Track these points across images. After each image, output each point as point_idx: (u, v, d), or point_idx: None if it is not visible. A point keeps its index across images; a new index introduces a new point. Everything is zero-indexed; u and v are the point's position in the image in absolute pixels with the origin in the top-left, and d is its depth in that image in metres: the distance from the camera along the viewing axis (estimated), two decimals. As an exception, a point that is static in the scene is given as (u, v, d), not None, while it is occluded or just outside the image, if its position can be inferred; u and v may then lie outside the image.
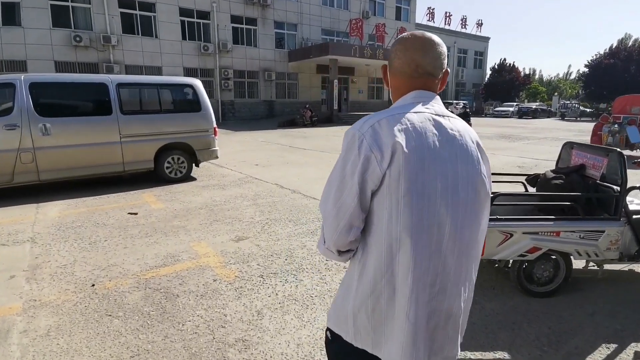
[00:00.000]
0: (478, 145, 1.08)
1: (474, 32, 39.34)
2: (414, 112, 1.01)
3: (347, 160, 1.00)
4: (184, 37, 22.54)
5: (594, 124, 11.70)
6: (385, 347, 1.05)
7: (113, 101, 6.56)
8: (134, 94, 7.05)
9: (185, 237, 4.47)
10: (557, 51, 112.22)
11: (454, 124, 1.05)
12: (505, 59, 39.46)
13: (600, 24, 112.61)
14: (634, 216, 3.00)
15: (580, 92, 35.25)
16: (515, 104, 36.89)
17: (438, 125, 1.01)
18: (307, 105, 23.68)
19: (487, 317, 2.83)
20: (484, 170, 1.07)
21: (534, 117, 33.18)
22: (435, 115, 1.03)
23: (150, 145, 6.97)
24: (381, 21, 28.82)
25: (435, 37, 1.11)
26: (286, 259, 3.85)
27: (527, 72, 39.31)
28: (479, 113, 37.27)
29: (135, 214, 5.32)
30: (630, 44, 33.63)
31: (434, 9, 35.07)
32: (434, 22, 35.48)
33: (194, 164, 7.64)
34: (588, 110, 33.33)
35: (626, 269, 3.57)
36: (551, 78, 54.09)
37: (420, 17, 37.12)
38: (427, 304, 1.01)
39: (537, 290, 3.09)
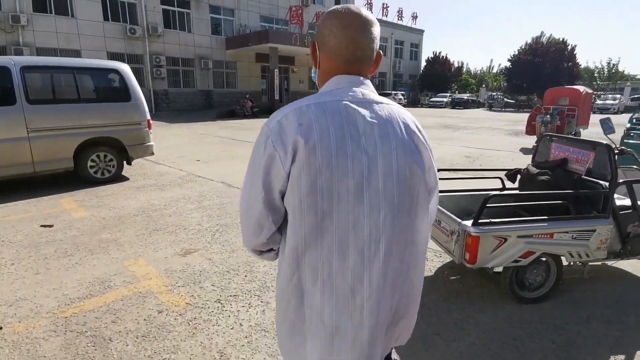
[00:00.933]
0: (414, 133, 0.96)
1: (409, 25, 40.46)
2: (330, 101, 0.91)
3: (254, 158, 0.93)
4: (105, 18, 20.26)
5: (518, 114, 12.35)
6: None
7: (17, 88, 5.38)
8: (44, 80, 5.87)
9: (118, 254, 3.68)
10: (481, 46, 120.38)
11: (383, 110, 0.94)
12: (440, 52, 41.21)
13: (520, 22, 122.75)
14: (621, 212, 2.87)
15: (502, 84, 37.88)
16: (448, 94, 38.70)
17: (356, 115, 0.90)
18: (248, 96, 22.69)
19: (485, 333, 2.52)
20: (420, 161, 0.95)
21: (465, 108, 35.07)
22: (358, 102, 0.92)
23: (67, 140, 5.87)
24: (321, 9, 28.37)
25: (371, 15, 0.98)
26: (246, 276, 3.28)
27: (458, 65, 41.31)
28: (416, 103, 38.62)
29: (50, 226, 4.37)
30: (544, 41, 36.69)
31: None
32: (372, 12, 35.78)
33: (125, 162, 6.64)
34: (511, 101, 35.88)
35: (609, 264, 3.50)
36: (477, 71, 57.66)
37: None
38: (346, 315, 0.93)
39: (528, 296, 2.86)
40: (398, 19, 38.82)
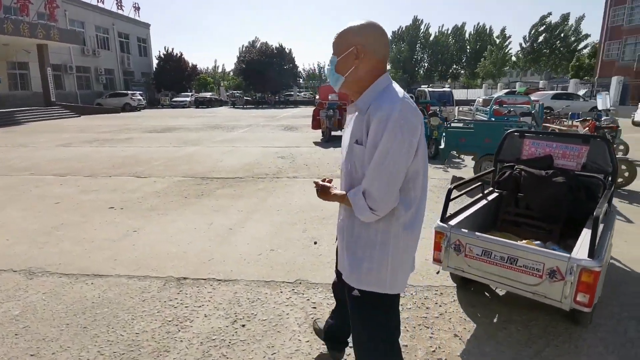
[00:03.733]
0: None
1: (132, 16, 36.02)
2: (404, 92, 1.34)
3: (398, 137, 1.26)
4: None
5: (263, 110, 12.97)
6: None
7: None
8: None
9: None
10: (206, 45, 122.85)
11: None
12: (173, 49, 38.71)
13: (235, 25, 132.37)
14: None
15: (242, 83, 39.90)
16: (190, 93, 37.30)
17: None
18: None
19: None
20: None
21: (209, 106, 34.78)
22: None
23: None
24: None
25: None
26: None
27: (194, 63, 40.27)
28: (155, 104, 35.28)
29: None
30: (258, 45, 40.71)
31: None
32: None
33: None
34: (249, 99, 38.24)
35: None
36: (206, 70, 58.55)
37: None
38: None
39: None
40: (118, 8, 33.84)
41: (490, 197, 3.17)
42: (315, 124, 12.17)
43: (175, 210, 5.03)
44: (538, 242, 2.68)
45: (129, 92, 30.42)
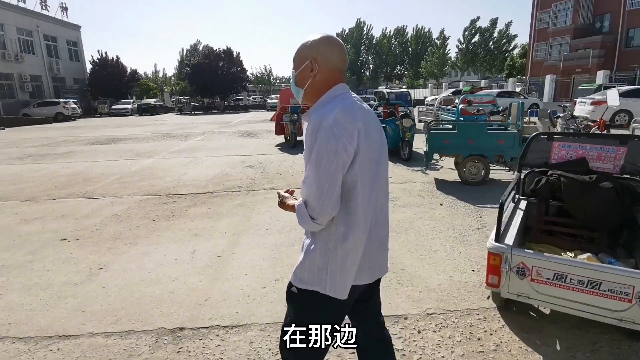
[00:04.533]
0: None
1: (60, 17, 32.96)
2: (353, 100, 1.36)
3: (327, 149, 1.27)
4: None
5: (213, 115, 12.33)
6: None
7: None
8: None
9: None
10: (145, 50, 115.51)
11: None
12: (106, 53, 35.98)
13: (173, 28, 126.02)
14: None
15: (187, 88, 37.97)
16: (132, 100, 34.90)
17: (363, 106, 1.38)
18: None
19: None
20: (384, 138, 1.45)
21: (154, 114, 32.74)
22: (357, 100, 1.39)
23: None
24: None
25: None
26: None
27: (133, 68, 37.65)
28: (91, 113, 32.58)
29: None
30: (200, 48, 39.00)
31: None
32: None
33: None
34: (197, 104, 36.41)
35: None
36: (147, 75, 55.39)
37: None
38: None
39: None
40: (42, 8, 30.80)
41: (520, 206, 2.91)
42: (279, 129, 11.63)
43: (145, 237, 4.31)
44: (588, 255, 2.44)
45: (61, 100, 27.70)
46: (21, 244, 4.21)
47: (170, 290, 3.09)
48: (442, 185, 6.23)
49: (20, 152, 11.61)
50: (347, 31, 59.72)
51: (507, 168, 6.25)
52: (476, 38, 46.36)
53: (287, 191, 1.54)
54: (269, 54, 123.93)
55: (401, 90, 15.24)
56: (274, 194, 5.99)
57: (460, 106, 8.85)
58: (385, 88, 17.09)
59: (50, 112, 25.78)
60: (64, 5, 33.30)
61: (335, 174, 1.23)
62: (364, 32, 59.84)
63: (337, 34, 62.67)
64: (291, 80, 1.47)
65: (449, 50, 50.15)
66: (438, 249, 3.75)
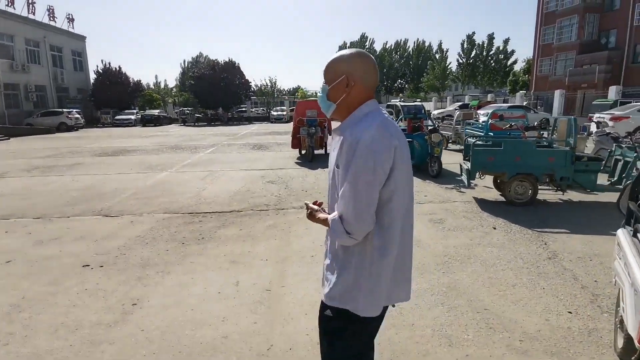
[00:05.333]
0: None
1: (66, 28, 32.89)
2: (388, 117, 1.38)
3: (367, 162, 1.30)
4: None
5: (218, 127, 11.99)
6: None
7: None
8: None
9: None
10: (146, 61, 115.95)
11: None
12: (110, 63, 35.83)
13: (175, 40, 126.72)
14: None
15: (190, 99, 37.69)
16: (135, 111, 34.62)
17: (395, 123, 1.39)
18: None
19: None
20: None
21: (157, 124, 32.44)
22: (390, 117, 1.40)
23: None
24: None
25: None
26: None
27: (137, 79, 37.51)
28: (94, 123, 32.26)
29: None
30: (203, 60, 38.85)
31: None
32: (14, 8, 26.81)
33: None
34: (200, 115, 36.07)
35: None
36: (149, 86, 55.30)
37: (-3, 0, 26.55)
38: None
39: None
40: (50, 19, 30.75)
41: None
42: (296, 143, 11.23)
43: (178, 264, 3.87)
44: None
45: (65, 110, 27.38)
46: (39, 270, 3.76)
47: (222, 335, 2.64)
48: (486, 206, 5.81)
49: (27, 163, 11.18)
50: (348, 44, 60.09)
51: (555, 188, 5.84)
52: (474, 53, 46.46)
53: (315, 203, 1.55)
54: (273, 67, 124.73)
55: (415, 103, 14.85)
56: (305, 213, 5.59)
57: (491, 121, 8.49)
58: (399, 101, 16.67)
59: (54, 122, 25.44)
60: (70, 16, 33.27)
61: (372, 191, 1.26)
62: (367, 46, 60.31)
63: (340, 47, 63.14)
64: (320, 94, 1.45)
65: (450, 63, 50.25)
66: (515, 283, 3.31)
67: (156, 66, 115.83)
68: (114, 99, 34.02)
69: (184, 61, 57.16)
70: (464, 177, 6.19)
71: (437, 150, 8.07)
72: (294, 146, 11.36)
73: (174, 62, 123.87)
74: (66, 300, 3.16)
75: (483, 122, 9.65)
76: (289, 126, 14.10)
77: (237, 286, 3.37)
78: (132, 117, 32.71)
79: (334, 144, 1.40)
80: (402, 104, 14.72)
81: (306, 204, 1.57)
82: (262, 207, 5.98)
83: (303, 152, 11.07)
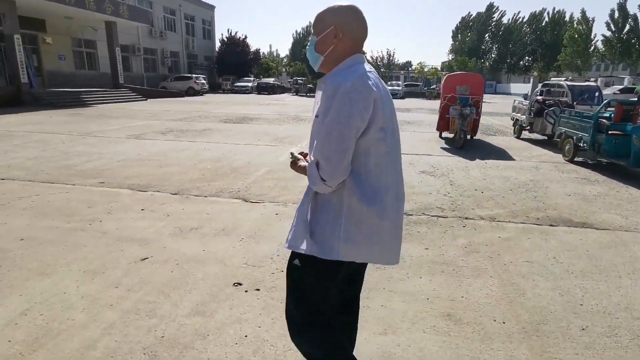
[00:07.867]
0: None
1: (197, -3, 34.69)
2: (370, 70, 1.36)
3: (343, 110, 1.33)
4: None
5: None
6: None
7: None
8: None
9: None
10: (262, 30, 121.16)
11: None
12: (236, 32, 37.13)
13: (287, 10, 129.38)
14: None
15: (304, 69, 37.52)
16: (252, 79, 35.65)
17: (378, 78, 1.38)
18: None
19: None
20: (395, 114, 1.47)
21: (271, 93, 32.87)
22: (373, 71, 1.38)
23: None
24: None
25: None
26: None
27: (257, 47, 38.50)
28: (216, 89, 33.93)
29: None
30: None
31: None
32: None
33: None
34: (311, 86, 35.67)
35: None
36: (264, 55, 56.94)
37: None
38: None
39: None
40: (185, -12, 32.55)
41: None
42: (443, 125, 9.34)
43: (371, 289, 2.59)
44: None
45: (193, 75, 29.13)
46: (179, 280, 2.82)
47: None
48: None
49: (162, 125, 11.34)
50: (473, 15, 53.84)
51: None
52: (627, 27, 37.19)
53: (300, 153, 1.51)
54: (387, 41, 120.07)
55: (588, 83, 11.50)
56: (502, 228, 3.92)
57: None
58: (565, 80, 13.25)
59: (183, 87, 27.19)
60: (202, -15, 34.89)
61: (348, 138, 1.24)
62: (494, 19, 53.34)
63: (463, 17, 56.92)
64: (308, 46, 1.44)
65: (595, 36, 41.21)
66: None
67: (269, 36, 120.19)
68: (235, 66, 35.38)
69: (296, 31, 57.35)
70: None
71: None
72: (440, 128, 9.51)
73: (286, 33, 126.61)
74: (220, 351, 2.08)
75: None
76: (407, 102, 12.11)
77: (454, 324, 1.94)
78: (249, 84, 33.70)
79: (317, 97, 1.37)
80: (570, 83, 11.58)
81: (291, 153, 1.53)
82: (433, 211, 4.47)
83: (450, 135, 9.19)
